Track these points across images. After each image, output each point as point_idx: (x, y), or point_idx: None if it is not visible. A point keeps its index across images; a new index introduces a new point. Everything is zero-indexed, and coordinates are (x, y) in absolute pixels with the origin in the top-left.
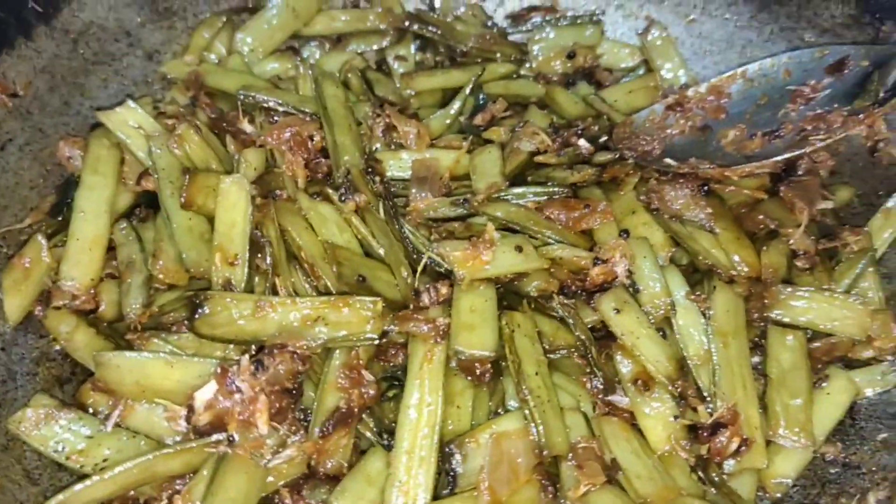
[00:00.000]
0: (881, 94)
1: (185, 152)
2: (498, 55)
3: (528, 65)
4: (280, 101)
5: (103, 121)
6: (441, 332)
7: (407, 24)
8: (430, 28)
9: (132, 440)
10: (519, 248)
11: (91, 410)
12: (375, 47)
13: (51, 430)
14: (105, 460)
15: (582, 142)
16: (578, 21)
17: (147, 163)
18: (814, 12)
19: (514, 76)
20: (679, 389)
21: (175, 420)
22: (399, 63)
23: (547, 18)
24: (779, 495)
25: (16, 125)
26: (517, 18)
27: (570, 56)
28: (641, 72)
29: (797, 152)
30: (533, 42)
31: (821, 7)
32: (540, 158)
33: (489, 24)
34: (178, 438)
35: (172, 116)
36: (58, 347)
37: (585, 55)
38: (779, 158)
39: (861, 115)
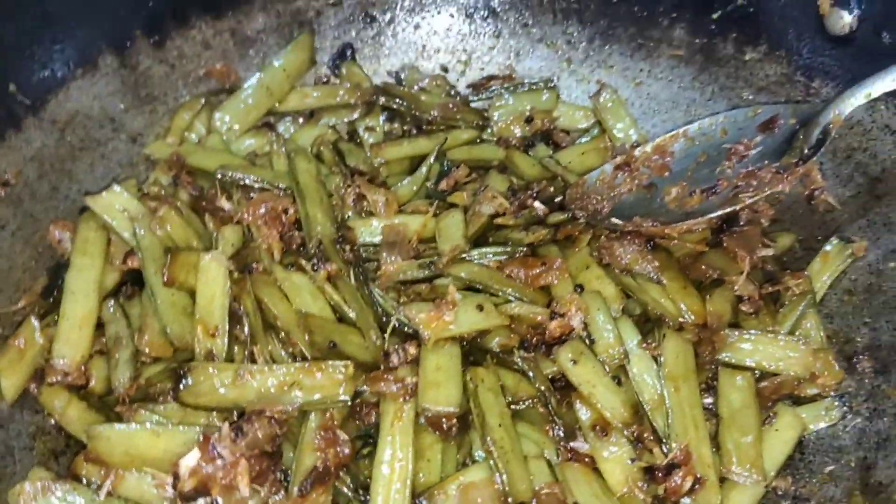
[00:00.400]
0: (805, 151)
1: (166, 233)
2: (461, 122)
3: (489, 129)
4: (255, 179)
5: (90, 205)
6: (409, 391)
7: (375, 97)
8: (396, 100)
9: None
10: (480, 307)
11: (84, 481)
12: (346, 120)
13: (48, 501)
14: None
15: (537, 204)
16: (534, 87)
17: (132, 243)
18: (750, 72)
19: (478, 141)
20: (635, 433)
21: (163, 487)
22: (369, 133)
23: (505, 86)
24: None
25: (8, 212)
26: (478, 87)
27: (529, 120)
28: (595, 131)
29: (728, 210)
30: (493, 108)
31: (756, 67)
32: (499, 221)
33: (452, 93)
34: None
35: (155, 198)
36: (52, 422)
37: (542, 118)
38: (713, 215)
39: (787, 172)
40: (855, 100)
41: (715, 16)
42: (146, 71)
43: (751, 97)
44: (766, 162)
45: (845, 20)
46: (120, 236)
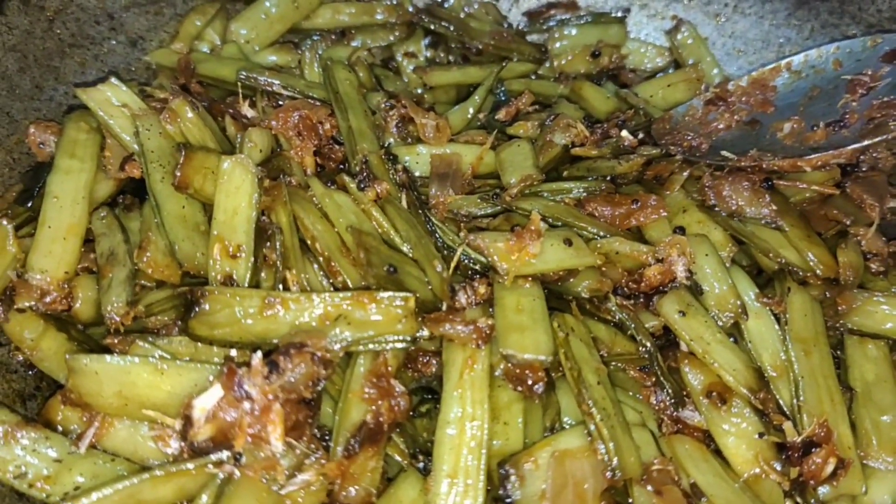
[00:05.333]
0: None
1: (178, 129)
2: (515, 54)
3: (546, 65)
4: (286, 85)
5: (83, 98)
6: (484, 336)
7: (417, 18)
8: (442, 23)
9: (110, 465)
10: (568, 242)
11: (60, 429)
12: (382, 43)
13: (10, 451)
14: (77, 489)
15: (624, 133)
16: (602, 19)
17: (132, 147)
18: (858, 7)
19: (533, 76)
20: (761, 402)
21: (164, 440)
22: (408, 60)
23: (567, 17)
24: None
25: None
26: (535, 16)
27: (595, 55)
28: (671, 72)
29: (881, 138)
30: (554, 40)
31: (866, 1)
32: (578, 151)
33: (504, 24)
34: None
35: (161, 100)
36: (20, 358)
37: (610, 54)
38: (859, 146)
39: None
40: None
41: None
42: None
43: (857, 35)
44: None
45: None
46: (118, 138)
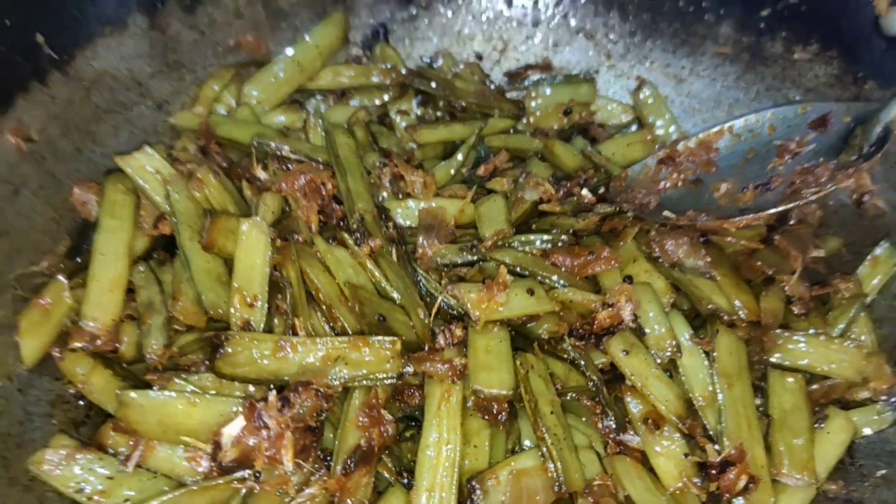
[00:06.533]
0: (865, 149)
1: (204, 195)
2: (496, 111)
3: (524, 120)
4: (293, 150)
5: (121, 165)
6: (458, 373)
7: (409, 80)
8: (432, 84)
9: (153, 480)
10: (531, 291)
11: (111, 451)
12: (378, 102)
13: (71, 470)
14: (127, 501)
15: (585, 191)
16: (573, 79)
17: (164, 207)
18: (798, 73)
19: (512, 131)
20: (688, 428)
21: (196, 460)
22: (401, 117)
23: (543, 77)
24: None
25: (29, 170)
26: (514, 76)
27: (567, 112)
28: (634, 128)
29: (791, 205)
30: (530, 98)
31: (805, 68)
32: (544, 207)
33: (486, 83)
34: (198, 478)
35: (186, 162)
36: (73, 390)
37: (581, 111)
38: (774, 211)
39: (849, 170)
40: None
41: (765, 13)
42: (176, 35)
43: (798, 98)
44: (822, 160)
45: None
46: (151, 199)
